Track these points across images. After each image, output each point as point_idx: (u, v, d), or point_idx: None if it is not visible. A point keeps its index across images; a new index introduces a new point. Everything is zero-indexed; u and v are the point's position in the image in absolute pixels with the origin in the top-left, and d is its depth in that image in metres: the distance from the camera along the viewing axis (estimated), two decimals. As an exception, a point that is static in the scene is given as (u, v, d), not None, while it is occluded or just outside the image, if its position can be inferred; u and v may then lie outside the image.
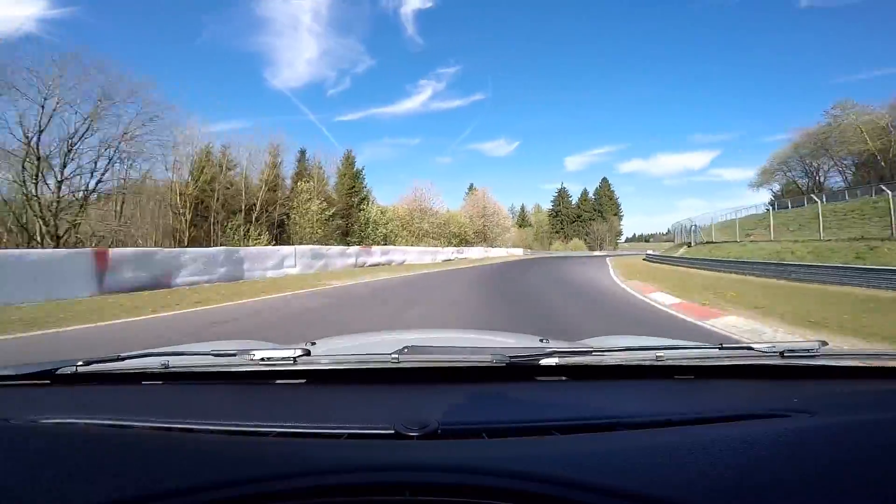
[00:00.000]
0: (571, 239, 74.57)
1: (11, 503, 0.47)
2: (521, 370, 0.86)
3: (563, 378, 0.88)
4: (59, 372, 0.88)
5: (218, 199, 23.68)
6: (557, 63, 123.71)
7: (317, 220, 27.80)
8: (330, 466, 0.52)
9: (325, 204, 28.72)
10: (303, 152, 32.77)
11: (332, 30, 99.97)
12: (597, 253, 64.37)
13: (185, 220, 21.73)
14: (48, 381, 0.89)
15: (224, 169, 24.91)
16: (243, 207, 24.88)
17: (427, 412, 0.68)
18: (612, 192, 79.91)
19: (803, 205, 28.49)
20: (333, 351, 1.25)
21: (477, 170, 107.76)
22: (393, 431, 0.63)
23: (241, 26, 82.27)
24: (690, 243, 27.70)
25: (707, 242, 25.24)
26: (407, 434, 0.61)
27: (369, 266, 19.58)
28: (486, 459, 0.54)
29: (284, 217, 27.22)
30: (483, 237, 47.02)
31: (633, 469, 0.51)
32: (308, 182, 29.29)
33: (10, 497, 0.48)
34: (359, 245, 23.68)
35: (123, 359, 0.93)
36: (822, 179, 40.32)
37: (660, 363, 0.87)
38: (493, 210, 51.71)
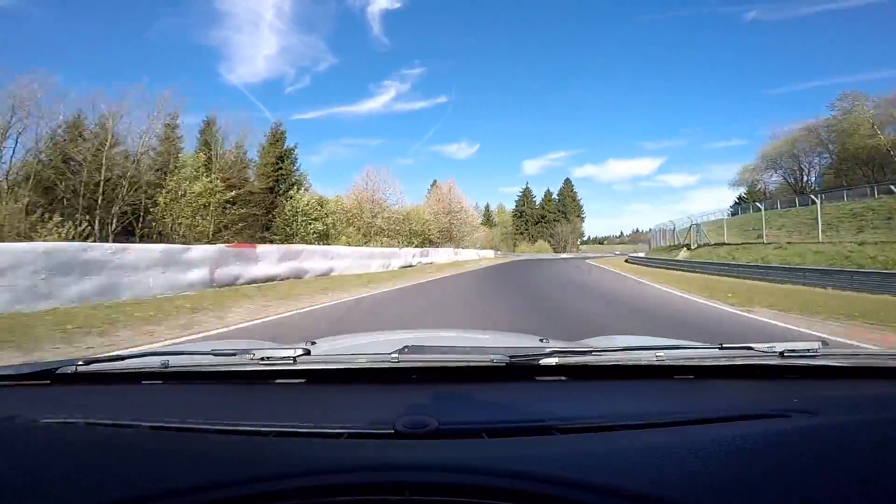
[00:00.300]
0: (536, 241, 72.00)
1: (12, 503, 0.48)
2: (520, 370, 0.87)
3: (563, 378, 0.88)
4: (59, 371, 0.89)
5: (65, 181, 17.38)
6: (518, 68, 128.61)
7: (204, 207, 20.27)
8: (330, 466, 0.53)
9: (218, 183, 21.08)
10: (208, 123, 24.61)
11: (294, 27, 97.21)
12: (565, 255, 62.26)
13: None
14: (48, 381, 0.90)
15: (90, 140, 18.16)
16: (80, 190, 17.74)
17: (427, 412, 0.69)
18: (575, 193, 79.26)
19: (794, 205, 26.60)
20: (333, 350, 1.28)
21: (439, 171, 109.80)
22: (393, 431, 0.63)
23: (197, 20, 77.00)
24: (690, 245, 24.93)
25: (717, 244, 22.74)
26: (407, 434, 0.62)
27: (243, 284, 10.11)
28: (485, 459, 0.55)
29: (149, 203, 20.00)
30: (449, 237, 41.17)
31: (633, 469, 0.52)
32: (200, 154, 21.97)
33: (11, 497, 0.49)
34: (283, 244, 17.17)
35: (123, 358, 0.95)
36: (807, 179, 39.33)
37: (660, 363, 0.88)
38: (460, 206, 45.74)
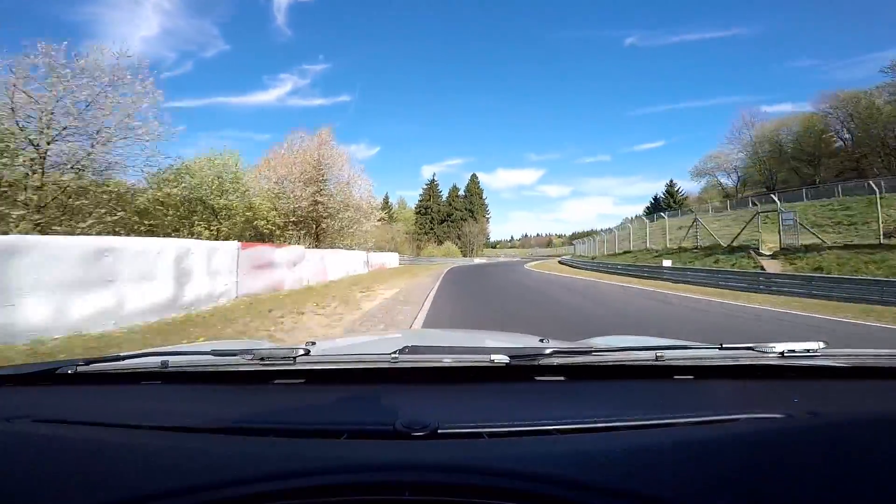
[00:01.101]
0: (443, 241, 59.92)
1: (12, 503, 0.49)
2: (520, 370, 0.89)
3: (563, 378, 0.90)
4: (58, 372, 0.91)
5: None
6: (422, 74, 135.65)
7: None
8: (330, 466, 0.54)
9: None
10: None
11: (185, 9, 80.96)
12: (480, 260, 51.37)
13: None
14: (48, 381, 0.92)
15: None
16: None
17: (427, 412, 0.71)
18: (481, 190, 71.30)
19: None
20: (333, 351, 1.34)
21: None
22: (393, 431, 0.65)
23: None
24: (695, 246, 22.73)
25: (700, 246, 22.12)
26: (407, 434, 0.64)
27: None
28: (485, 459, 0.57)
29: None
30: (314, 226, 21.55)
31: (633, 469, 0.54)
32: None
33: (11, 497, 0.50)
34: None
35: (123, 358, 0.97)
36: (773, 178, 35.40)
37: (659, 363, 0.90)
38: (341, 168, 23.52)
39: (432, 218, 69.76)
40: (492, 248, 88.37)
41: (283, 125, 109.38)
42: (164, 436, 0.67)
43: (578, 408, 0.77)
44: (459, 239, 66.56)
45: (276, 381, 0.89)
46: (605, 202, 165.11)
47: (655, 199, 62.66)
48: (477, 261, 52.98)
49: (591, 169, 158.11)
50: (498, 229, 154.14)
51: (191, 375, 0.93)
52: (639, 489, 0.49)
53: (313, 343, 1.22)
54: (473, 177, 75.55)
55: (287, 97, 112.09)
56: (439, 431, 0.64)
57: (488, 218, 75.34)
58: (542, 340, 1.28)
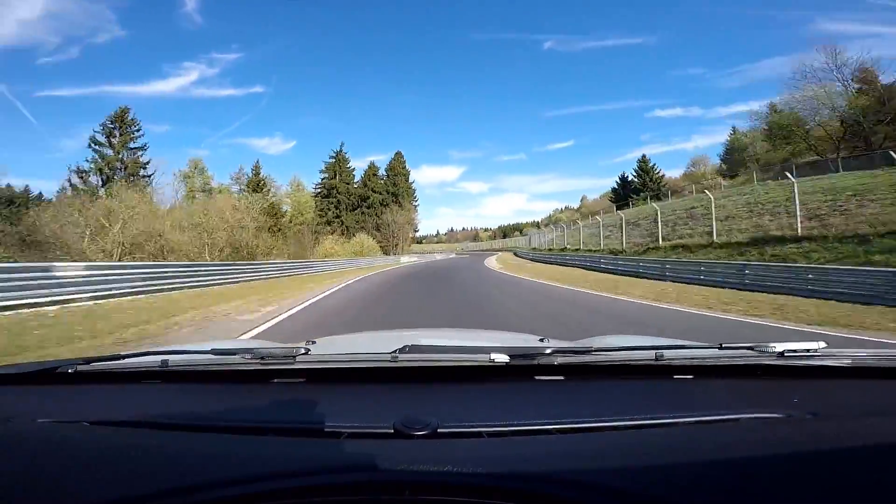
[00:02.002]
0: (355, 234, 40.80)
1: (12, 503, 0.51)
2: (520, 370, 0.90)
3: (562, 378, 0.91)
4: (59, 371, 0.92)
5: None
6: (343, 66, 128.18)
7: None
8: (330, 465, 0.56)
9: None
10: None
11: None
12: (409, 259, 33.30)
13: None
14: (48, 381, 0.93)
15: None
16: None
17: (427, 411, 0.71)
18: (408, 171, 54.50)
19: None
20: (333, 350, 1.35)
21: (243, 163, 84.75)
22: (393, 430, 0.66)
23: None
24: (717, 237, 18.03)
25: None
26: (407, 433, 0.65)
27: None
28: (485, 459, 0.58)
29: None
30: None
31: (633, 469, 0.55)
32: None
33: (11, 497, 0.51)
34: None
35: (123, 357, 0.99)
36: None
37: (659, 363, 0.91)
38: None
39: (339, 202, 51.28)
40: (418, 243, 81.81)
41: (185, 117, 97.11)
42: (164, 435, 0.69)
43: (578, 407, 0.79)
44: (379, 230, 49.23)
45: (275, 381, 0.91)
46: (521, 198, 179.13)
47: (623, 179, 51.99)
48: (406, 260, 36.24)
49: (508, 167, 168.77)
50: (424, 224, 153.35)
51: (191, 375, 0.94)
52: (638, 489, 0.50)
53: (313, 342, 1.29)
54: (398, 155, 59.07)
55: (191, 87, 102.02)
56: (439, 431, 0.66)
57: (416, 205, 58.92)
58: (541, 340, 1.32)
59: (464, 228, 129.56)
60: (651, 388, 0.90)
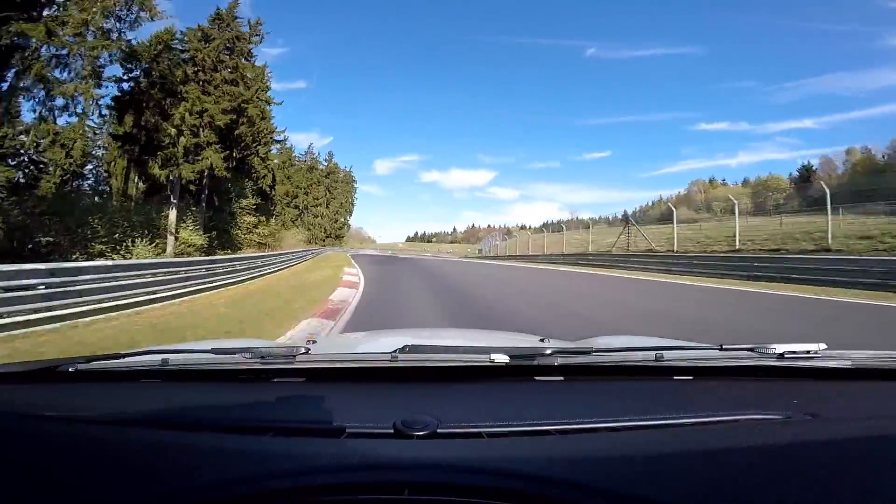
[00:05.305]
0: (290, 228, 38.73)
1: (12, 502, 0.51)
2: (520, 370, 0.92)
3: (562, 378, 0.92)
4: (58, 370, 0.93)
5: None
6: (381, 66, 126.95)
7: None
8: (330, 465, 0.56)
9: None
10: None
11: None
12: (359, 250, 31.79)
13: None
14: (48, 380, 0.95)
15: None
16: None
17: (426, 411, 0.72)
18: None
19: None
20: (333, 349, 1.39)
21: None
22: (392, 430, 0.67)
23: None
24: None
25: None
26: (406, 433, 0.66)
27: None
28: (485, 459, 0.58)
29: None
30: None
31: (633, 470, 0.55)
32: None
33: (11, 496, 0.52)
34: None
35: (123, 356, 1.00)
36: None
37: (659, 363, 0.92)
38: None
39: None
40: (427, 241, 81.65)
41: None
42: (163, 434, 0.68)
43: (578, 408, 0.80)
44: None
45: (275, 380, 0.91)
46: (552, 207, 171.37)
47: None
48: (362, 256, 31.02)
49: (540, 174, 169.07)
50: (447, 227, 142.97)
51: (191, 374, 0.96)
52: (638, 490, 0.50)
53: (314, 342, 1.35)
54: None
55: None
56: (439, 431, 0.66)
57: (355, 188, 58.27)
58: (542, 340, 1.33)
59: (489, 226, 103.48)
60: (651, 389, 0.90)
